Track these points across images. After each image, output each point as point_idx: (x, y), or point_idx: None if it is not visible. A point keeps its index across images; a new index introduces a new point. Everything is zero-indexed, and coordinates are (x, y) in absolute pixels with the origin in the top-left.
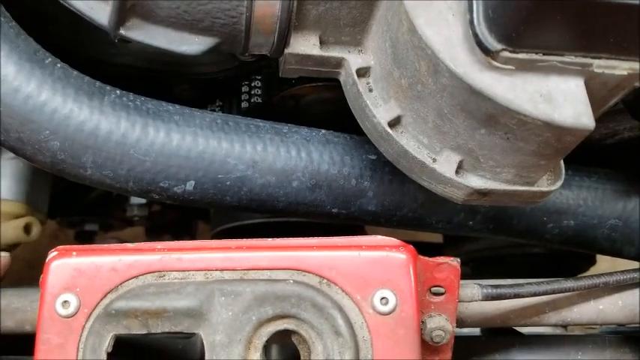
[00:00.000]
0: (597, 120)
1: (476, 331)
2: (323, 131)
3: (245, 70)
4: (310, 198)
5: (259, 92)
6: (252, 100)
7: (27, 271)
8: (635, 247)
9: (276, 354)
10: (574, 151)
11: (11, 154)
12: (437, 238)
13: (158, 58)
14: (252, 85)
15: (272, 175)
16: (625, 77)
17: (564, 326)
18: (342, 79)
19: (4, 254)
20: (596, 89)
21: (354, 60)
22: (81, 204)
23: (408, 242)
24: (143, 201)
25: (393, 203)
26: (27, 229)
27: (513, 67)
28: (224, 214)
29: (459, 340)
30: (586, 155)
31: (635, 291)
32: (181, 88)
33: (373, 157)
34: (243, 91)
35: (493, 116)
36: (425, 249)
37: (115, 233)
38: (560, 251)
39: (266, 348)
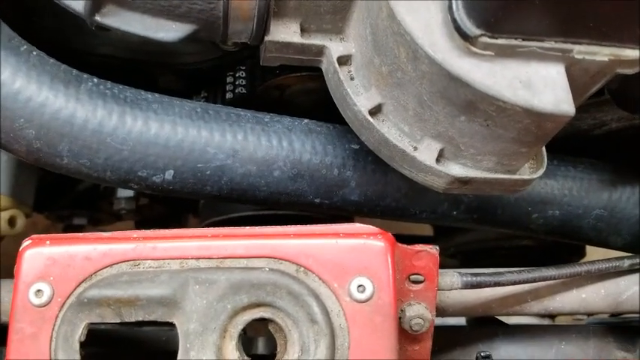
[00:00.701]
0: (584, 111)
1: (462, 321)
2: (305, 120)
3: (229, 60)
4: (292, 188)
5: (243, 83)
6: (236, 91)
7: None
8: (621, 237)
9: (262, 346)
10: (562, 142)
11: None
12: (428, 231)
13: (141, 48)
14: (237, 75)
15: (253, 165)
16: (606, 63)
17: (552, 317)
18: (323, 67)
19: None
20: (578, 76)
21: (335, 48)
22: (68, 197)
23: (399, 236)
24: (130, 194)
25: (376, 193)
26: (11, 221)
27: (492, 53)
28: (213, 207)
29: (442, 330)
30: (574, 146)
31: (618, 280)
32: (166, 79)
33: (356, 146)
34: (227, 82)
35: (472, 103)
36: (415, 242)
37: (104, 227)
38: (549, 243)
39: (250, 339)
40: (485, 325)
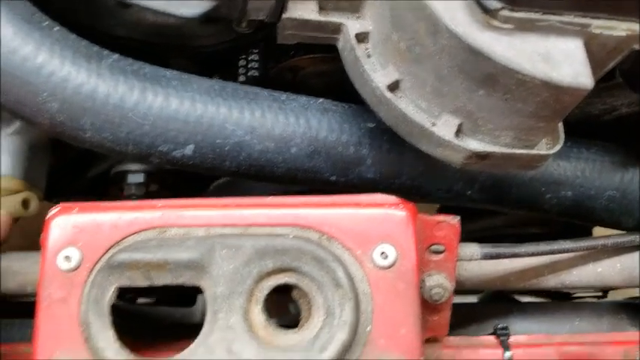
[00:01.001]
0: (596, 95)
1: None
2: (321, 100)
3: (242, 43)
4: (309, 165)
5: (256, 66)
6: (249, 74)
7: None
8: (634, 218)
9: None
10: (573, 127)
11: (8, 130)
12: None
13: (156, 30)
14: (250, 59)
15: (270, 141)
16: (623, 38)
17: (566, 294)
18: (340, 45)
19: (2, 212)
20: (595, 51)
21: (352, 25)
22: (79, 184)
23: None
24: (141, 180)
25: (391, 171)
26: (25, 204)
27: (512, 27)
28: (221, 194)
29: (458, 306)
30: (585, 132)
31: (634, 254)
32: (179, 63)
33: (371, 125)
34: (240, 65)
35: (492, 76)
36: None
37: None
38: (557, 231)
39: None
40: (500, 302)
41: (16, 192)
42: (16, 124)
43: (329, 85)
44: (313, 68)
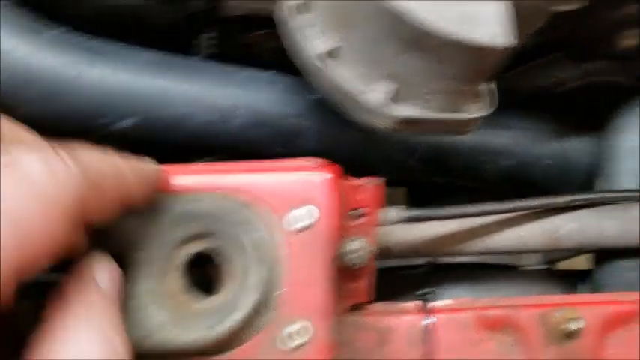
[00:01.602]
0: (545, 67)
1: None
2: (270, 72)
3: (196, 21)
4: (253, 137)
5: (213, 44)
6: (205, 52)
7: None
8: (572, 184)
9: None
10: (527, 100)
11: None
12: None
13: (112, 9)
14: (204, 37)
15: (215, 113)
16: (543, 2)
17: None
18: (279, 15)
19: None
20: (518, 13)
21: None
22: None
23: None
24: None
25: (332, 142)
26: None
27: None
28: None
29: (388, 274)
30: (539, 105)
31: (553, 218)
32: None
33: (315, 96)
34: (193, 44)
35: (416, 40)
36: None
37: None
38: None
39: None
40: (431, 272)
41: None
42: None
43: (284, 61)
44: (268, 44)
